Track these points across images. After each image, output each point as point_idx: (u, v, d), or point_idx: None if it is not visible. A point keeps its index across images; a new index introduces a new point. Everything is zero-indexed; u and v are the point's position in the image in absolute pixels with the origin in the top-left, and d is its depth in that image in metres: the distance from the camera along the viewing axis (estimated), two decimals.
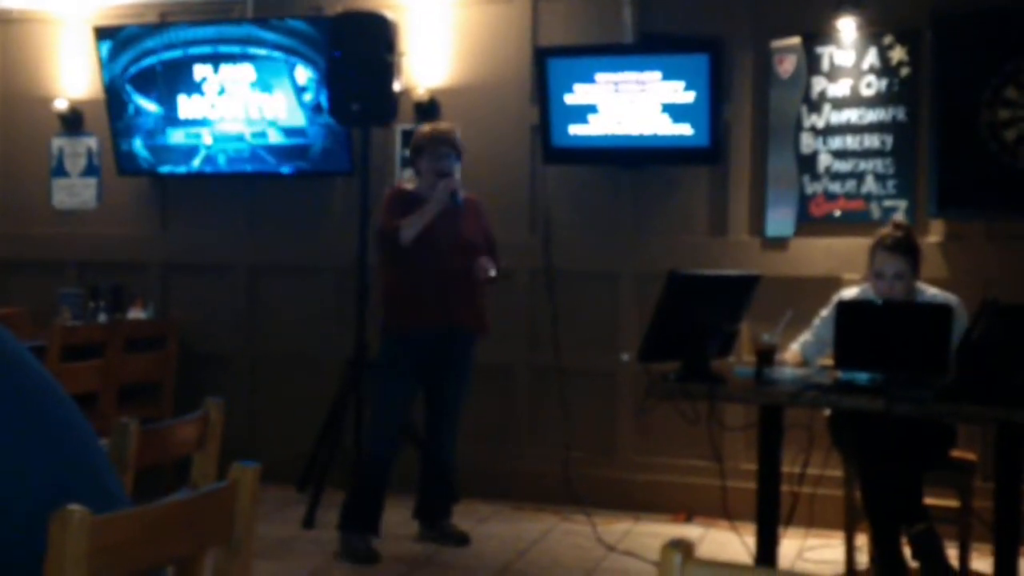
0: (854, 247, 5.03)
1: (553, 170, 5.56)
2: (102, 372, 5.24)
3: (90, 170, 6.41)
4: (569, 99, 5.34)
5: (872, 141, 5.13)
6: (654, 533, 5.00)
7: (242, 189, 6.11)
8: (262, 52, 5.84)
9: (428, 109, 5.69)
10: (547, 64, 5.35)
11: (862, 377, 3.56)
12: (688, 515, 5.29)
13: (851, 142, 5.17)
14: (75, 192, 6.45)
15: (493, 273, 4.59)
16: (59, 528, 1.44)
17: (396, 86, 5.28)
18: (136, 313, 6.03)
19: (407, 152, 4.97)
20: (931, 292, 4.10)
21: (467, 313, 4.62)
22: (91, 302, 6.08)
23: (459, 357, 4.68)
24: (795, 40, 5.23)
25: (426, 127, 4.79)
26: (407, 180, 4.76)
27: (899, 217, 4.93)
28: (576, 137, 5.36)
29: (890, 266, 4.00)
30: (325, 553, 4.63)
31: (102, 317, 5.96)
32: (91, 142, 6.39)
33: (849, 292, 4.24)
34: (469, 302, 4.62)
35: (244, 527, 1.78)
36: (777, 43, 5.26)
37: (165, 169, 6.11)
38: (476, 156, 5.69)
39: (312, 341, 5.94)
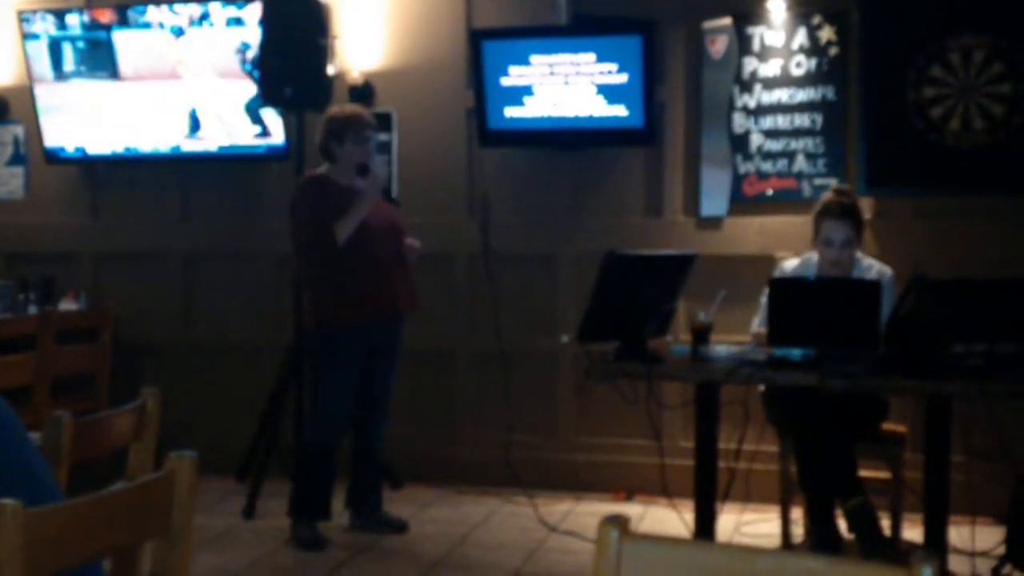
0: (786, 225, 5.11)
1: (490, 153, 5.55)
2: (34, 365, 5.14)
3: (17, 159, 6.27)
4: (505, 81, 5.34)
5: (802, 120, 5.20)
6: (595, 512, 5.03)
7: (174, 175, 6.02)
8: None
9: (363, 93, 5.64)
10: (482, 46, 5.34)
11: (795, 353, 3.62)
12: (628, 494, 5.35)
13: (782, 122, 5.23)
14: (2, 181, 6.30)
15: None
16: None
17: (330, 70, 5.23)
18: (68, 304, 5.92)
19: None
20: (867, 262, 4.15)
21: (405, 295, 4.62)
22: (21, 294, 5.96)
23: (393, 338, 4.65)
24: (726, 21, 5.28)
25: (342, 111, 4.65)
26: (321, 168, 4.63)
27: (839, 183, 4.87)
28: (512, 120, 5.37)
29: (839, 232, 4.02)
30: (266, 543, 4.59)
31: (33, 309, 5.85)
32: (17, 130, 6.24)
33: (791, 263, 4.26)
34: (405, 283, 4.62)
35: (182, 518, 1.77)
36: (709, 24, 5.31)
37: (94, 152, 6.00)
38: (412, 140, 5.68)
39: (249, 328, 5.88)
